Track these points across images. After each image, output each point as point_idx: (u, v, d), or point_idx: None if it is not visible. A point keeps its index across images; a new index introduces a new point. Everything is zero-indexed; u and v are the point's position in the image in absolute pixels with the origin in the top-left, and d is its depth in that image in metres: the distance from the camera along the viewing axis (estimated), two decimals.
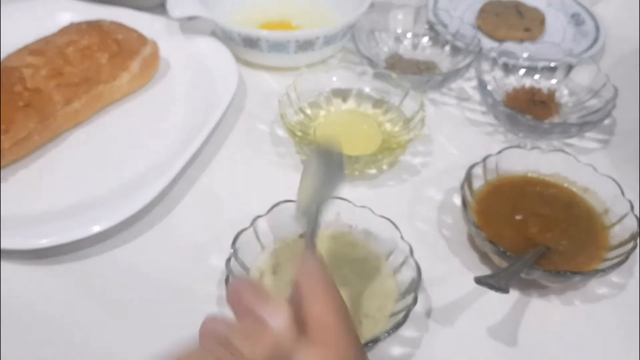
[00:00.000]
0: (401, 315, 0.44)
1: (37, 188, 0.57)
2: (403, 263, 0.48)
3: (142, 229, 0.55)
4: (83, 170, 0.59)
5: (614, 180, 0.54)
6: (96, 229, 0.51)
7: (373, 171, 0.61)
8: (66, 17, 0.70)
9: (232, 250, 0.47)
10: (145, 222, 0.55)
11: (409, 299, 0.45)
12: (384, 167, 0.61)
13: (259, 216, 0.50)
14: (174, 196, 0.58)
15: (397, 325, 0.43)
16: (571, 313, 0.51)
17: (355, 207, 0.51)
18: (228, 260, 0.46)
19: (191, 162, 0.60)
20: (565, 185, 0.56)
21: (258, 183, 0.60)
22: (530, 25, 0.75)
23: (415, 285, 0.46)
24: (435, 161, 0.63)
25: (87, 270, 0.52)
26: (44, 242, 0.50)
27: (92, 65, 0.62)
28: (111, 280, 0.51)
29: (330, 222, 0.52)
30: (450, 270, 0.53)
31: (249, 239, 0.49)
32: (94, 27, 0.65)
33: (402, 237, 0.49)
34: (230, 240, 0.48)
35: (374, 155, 0.57)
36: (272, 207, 0.50)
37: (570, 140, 0.65)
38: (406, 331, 0.48)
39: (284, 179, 0.60)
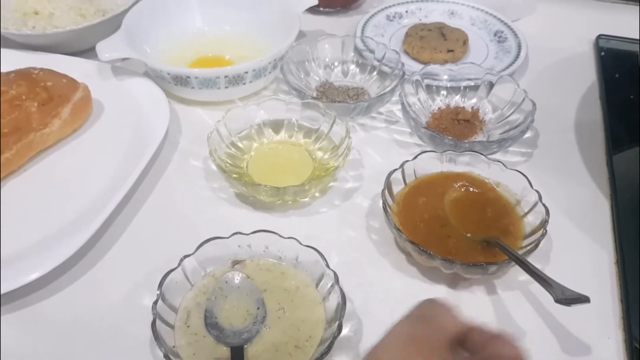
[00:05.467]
0: (326, 345, 0.45)
1: None
2: (330, 291, 0.50)
3: (80, 272, 0.56)
4: (17, 220, 0.59)
5: (521, 173, 0.57)
6: (33, 276, 0.52)
7: (306, 199, 0.62)
8: None
9: (158, 293, 0.47)
10: (82, 265, 0.56)
11: (335, 327, 0.46)
12: (316, 194, 0.63)
13: (187, 255, 0.50)
14: (110, 237, 0.59)
15: (322, 355, 0.44)
16: (496, 301, 0.53)
17: (283, 238, 0.52)
18: (155, 303, 0.47)
19: (125, 203, 0.61)
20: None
21: (193, 219, 0.61)
22: (453, 46, 0.78)
23: (340, 313, 0.47)
24: (365, 185, 0.64)
25: (24, 318, 0.52)
26: None
27: (21, 115, 0.63)
28: (49, 326, 0.51)
29: (260, 255, 0.53)
30: (385, 296, 0.54)
31: (178, 278, 0.50)
32: (22, 76, 0.66)
33: (327, 266, 0.50)
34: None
35: (301, 185, 0.58)
36: (199, 246, 0.51)
37: (494, 156, 0.67)
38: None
39: (218, 214, 0.61)
